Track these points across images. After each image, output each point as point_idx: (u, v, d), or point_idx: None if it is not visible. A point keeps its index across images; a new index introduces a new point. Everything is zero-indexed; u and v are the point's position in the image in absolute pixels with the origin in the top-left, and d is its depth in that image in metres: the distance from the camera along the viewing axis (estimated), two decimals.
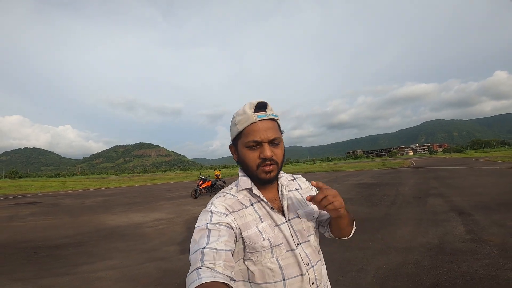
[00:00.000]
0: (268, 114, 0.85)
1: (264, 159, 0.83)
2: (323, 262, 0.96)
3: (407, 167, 29.48)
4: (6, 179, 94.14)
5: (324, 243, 0.98)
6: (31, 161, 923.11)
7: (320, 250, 0.96)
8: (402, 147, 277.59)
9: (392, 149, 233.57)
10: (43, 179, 79.84)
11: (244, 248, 0.84)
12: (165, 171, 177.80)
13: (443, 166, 25.32)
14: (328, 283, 0.96)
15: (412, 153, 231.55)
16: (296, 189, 1.01)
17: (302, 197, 0.99)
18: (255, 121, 0.83)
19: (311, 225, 0.94)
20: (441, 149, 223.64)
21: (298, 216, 0.92)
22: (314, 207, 0.99)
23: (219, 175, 15.54)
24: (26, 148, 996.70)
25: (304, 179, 1.08)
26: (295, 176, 1.07)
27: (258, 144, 0.83)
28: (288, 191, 0.96)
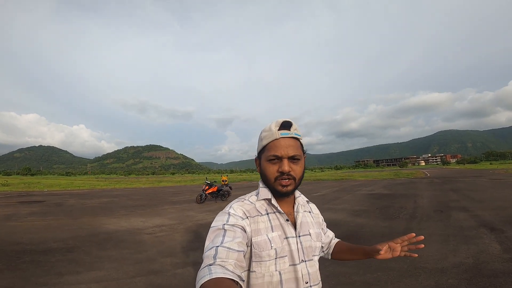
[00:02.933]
0: (291, 132, 0.91)
1: (282, 173, 0.89)
2: (321, 286, 0.98)
3: (421, 177, 28.39)
4: (18, 176, 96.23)
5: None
6: (44, 159, 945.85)
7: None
8: (413, 157, 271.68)
9: (403, 159, 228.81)
10: (53, 177, 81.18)
11: (250, 257, 0.86)
12: (173, 173, 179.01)
13: (459, 178, 24.20)
14: None
15: (424, 164, 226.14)
16: (309, 212, 1.09)
17: (313, 220, 1.06)
18: (278, 137, 0.90)
19: (318, 246, 1.00)
20: (454, 160, 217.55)
21: (310, 235, 0.97)
22: (321, 231, 1.08)
23: (225, 180, 15.08)
24: (40, 146, 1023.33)
25: (315, 206, 1.17)
26: (309, 201, 1.15)
27: (278, 158, 0.90)
28: (304, 211, 1.03)
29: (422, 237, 0.95)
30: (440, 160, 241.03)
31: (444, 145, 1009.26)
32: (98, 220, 8.20)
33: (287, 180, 0.89)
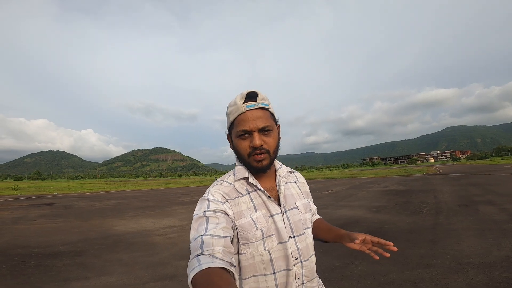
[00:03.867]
0: (258, 103, 0.84)
1: (255, 148, 0.83)
2: (315, 256, 0.93)
3: (434, 174, 27.64)
4: (29, 180, 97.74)
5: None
6: (54, 163, 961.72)
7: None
8: (422, 154, 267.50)
9: (411, 156, 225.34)
10: (63, 181, 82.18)
11: (237, 240, 0.82)
12: (180, 175, 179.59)
13: (474, 173, 23.43)
14: (318, 279, 0.94)
15: (433, 160, 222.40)
16: (294, 182, 1.01)
17: (300, 190, 1.00)
18: (244, 111, 0.83)
19: (308, 217, 0.94)
20: (464, 156, 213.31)
21: (297, 208, 0.91)
22: (310, 201, 1.02)
23: None
24: (50, 150, 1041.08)
25: (301, 174, 1.09)
26: (293, 170, 1.07)
27: (248, 133, 0.83)
28: (286, 182, 0.96)
29: (396, 248, 0.86)
30: (449, 156, 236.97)
31: (453, 141, 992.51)
32: (108, 222, 7.96)
33: (261, 155, 0.83)
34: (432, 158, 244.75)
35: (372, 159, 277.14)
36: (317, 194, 13.52)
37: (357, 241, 0.87)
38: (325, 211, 8.13)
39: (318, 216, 1.12)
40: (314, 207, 1.08)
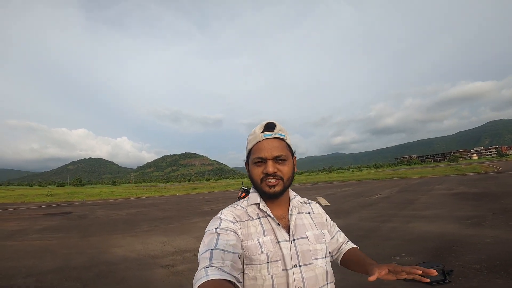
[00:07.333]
0: (274, 133, 0.88)
1: (267, 174, 0.85)
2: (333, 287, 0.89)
3: (494, 171, 23.70)
4: (68, 186, 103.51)
5: None
6: (94, 170, 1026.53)
7: (333, 275, 0.90)
8: (464, 151, 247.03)
9: (452, 153, 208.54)
10: (99, 187, 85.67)
11: (243, 260, 0.83)
12: (208, 179, 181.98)
13: None
14: None
15: (476, 157, 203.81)
16: (308, 213, 0.99)
17: (313, 221, 0.96)
18: (261, 139, 0.87)
19: (319, 248, 0.90)
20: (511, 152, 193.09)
21: (307, 238, 0.89)
22: (325, 232, 0.97)
23: None
24: (90, 158, 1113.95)
25: (319, 206, 1.05)
26: (310, 201, 1.04)
27: (263, 160, 0.86)
28: (298, 212, 0.95)
29: (435, 273, 0.72)
30: (495, 152, 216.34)
31: (497, 136, 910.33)
32: (111, 239, 6.40)
33: (274, 180, 0.85)
34: (475, 154, 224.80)
35: (407, 157, 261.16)
36: (363, 200, 11.17)
37: (371, 278, 0.75)
38: (392, 226, 5.92)
39: (352, 245, 1.04)
40: (342, 237, 1.04)
